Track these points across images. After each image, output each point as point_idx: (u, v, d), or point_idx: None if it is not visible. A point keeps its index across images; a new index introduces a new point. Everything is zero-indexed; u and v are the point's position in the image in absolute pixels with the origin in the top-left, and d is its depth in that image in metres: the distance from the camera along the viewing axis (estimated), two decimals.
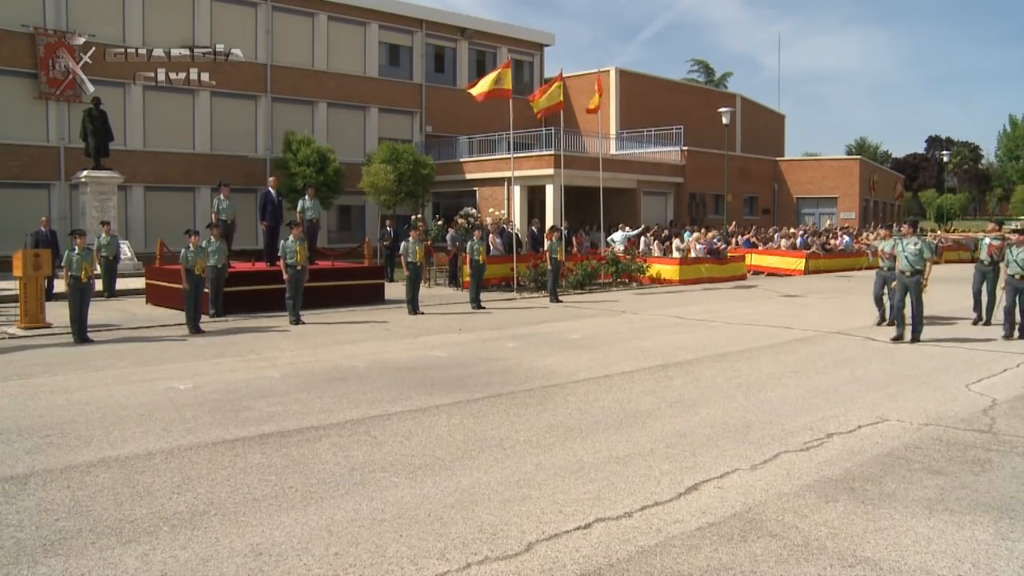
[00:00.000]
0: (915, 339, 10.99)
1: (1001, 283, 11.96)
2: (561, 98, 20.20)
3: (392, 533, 4.32)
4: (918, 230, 12.12)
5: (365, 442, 6.10)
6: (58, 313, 12.83)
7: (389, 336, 12.07)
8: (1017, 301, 11.55)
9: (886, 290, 12.59)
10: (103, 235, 17.57)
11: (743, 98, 46.19)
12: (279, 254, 13.89)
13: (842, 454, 5.79)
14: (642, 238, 24.75)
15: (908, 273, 11.13)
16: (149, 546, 4.15)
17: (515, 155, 22.95)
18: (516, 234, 21.83)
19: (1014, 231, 11.87)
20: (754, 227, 31.61)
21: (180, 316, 13.19)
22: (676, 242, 25.11)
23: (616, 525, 4.44)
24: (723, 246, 25.66)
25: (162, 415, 6.96)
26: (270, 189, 16.68)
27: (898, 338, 11.06)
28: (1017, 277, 11.37)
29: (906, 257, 11.08)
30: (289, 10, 30.16)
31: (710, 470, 5.39)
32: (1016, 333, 11.54)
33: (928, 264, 11.08)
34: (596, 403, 7.44)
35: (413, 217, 22.60)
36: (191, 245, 12.57)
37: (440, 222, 26.13)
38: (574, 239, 23.71)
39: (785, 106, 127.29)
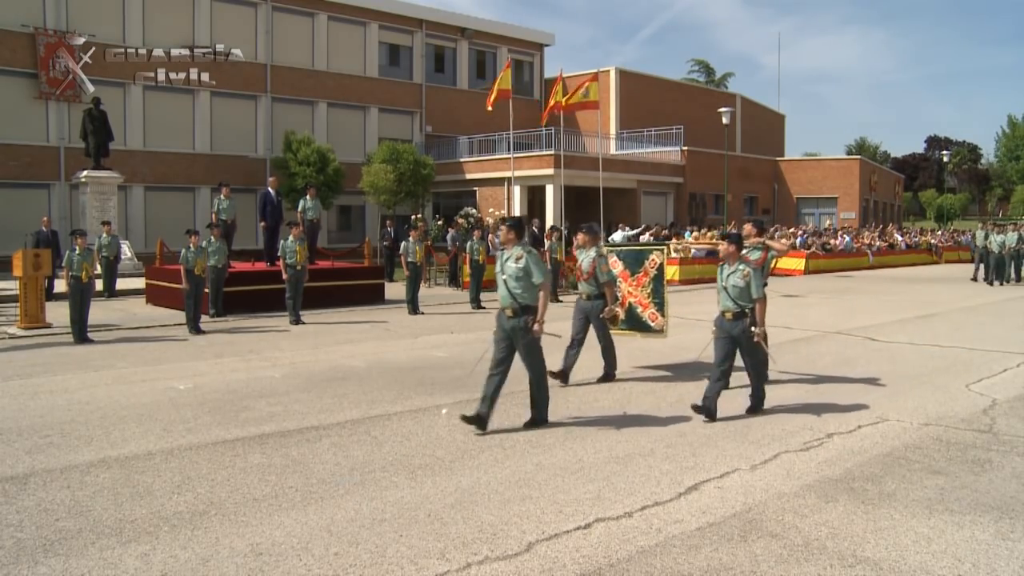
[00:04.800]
0: (538, 420, 6.60)
1: (714, 327, 7.10)
2: (560, 98, 20.25)
3: (392, 533, 4.32)
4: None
5: (365, 442, 6.10)
6: (58, 313, 12.82)
7: (389, 336, 12.06)
8: (738, 354, 6.95)
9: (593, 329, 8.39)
10: (104, 235, 17.56)
11: (743, 98, 46.17)
12: (279, 254, 13.90)
13: (842, 454, 5.79)
14: (641, 238, 24.73)
15: (585, 296, 8.06)
16: (149, 546, 4.16)
17: (515, 155, 22.95)
18: None
19: (724, 236, 7.51)
20: None
21: (180, 316, 13.18)
22: (674, 242, 25.10)
23: (616, 525, 4.44)
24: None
25: (162, 415, 6.96)
26: (269, 189, 16.68)
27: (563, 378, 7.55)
28: (728, 316, 6.84)
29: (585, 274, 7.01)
30: (289, 10, 30.16)
31: (710, 470, 5.39)
32: (750, 400, 7.13)
33: (609, 289, 7.86)
34: (596, 403, 7.45)
35: (413, 217, 22.61)
36: (191, 245, 12.58)
37: (440, 222, 26.12)
38: (574, 239, 23.67)
39: (785, 106, 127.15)
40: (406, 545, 4.16)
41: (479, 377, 8.65)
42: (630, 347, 10.75)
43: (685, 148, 34.52)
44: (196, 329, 12.27)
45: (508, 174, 24.73)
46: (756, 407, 7.10)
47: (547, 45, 39.05)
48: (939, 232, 40.09)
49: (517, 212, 28.92)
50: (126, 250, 21.53)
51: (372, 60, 32.71)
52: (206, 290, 13.43)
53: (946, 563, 3.97)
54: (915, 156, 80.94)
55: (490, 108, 20.00)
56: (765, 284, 7.99)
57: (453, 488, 5.04)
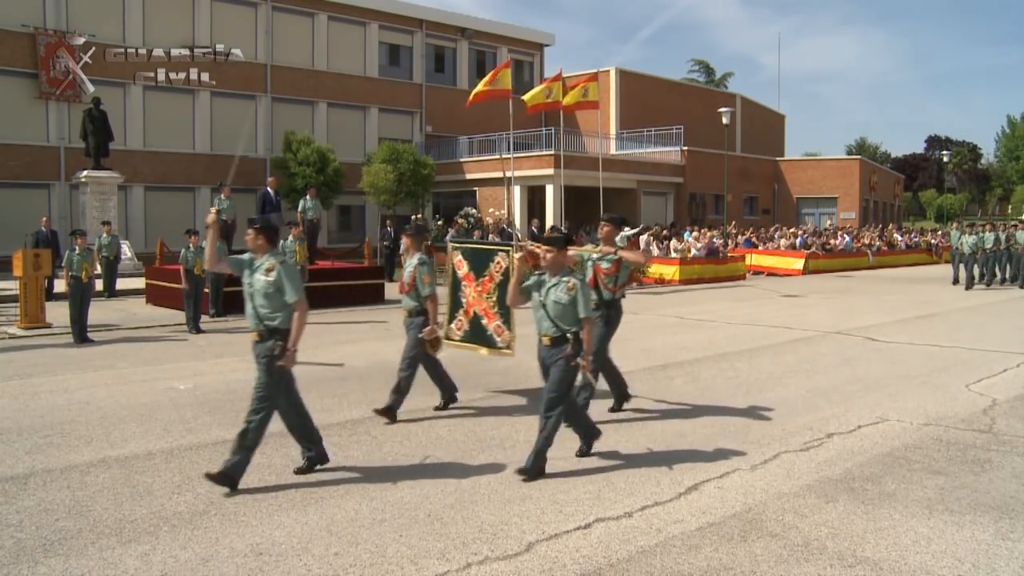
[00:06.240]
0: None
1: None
2: (560, 97, 20.23)
3: (392, 533, 4.32)
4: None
5: (365, 442, 6.10)
6: (58, 313, 12.82)
7: (389, 336, 12.04)
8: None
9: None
10: (104, 235, 17.57)
11: (743, 98, 46.20)
12: None
13: (842, 454, 5.79)
14: (641, 238, 24.75)
15: (408, 313, 6.89)
16: (149, 546, 4.16)
17: (515, 155, 22.95)
18: (516, 234, 21.84)
19: (548, 240, 5.56)
20: (751, 228, 31.63)
21: (180, 316, 13.18)
22: (674, 242, 25.14)
23: (616, 525, 4.44)
24: (721, 244, 25.71)
25: (162, 415, 6.96)
26: (268, 189, 16.70)
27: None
28: (546, 342, 5.43)
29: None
30: (289, 10, 30.15)
31: (710, 470, 5.39)
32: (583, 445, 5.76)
33: (432, 304, 6.72)
34: (596, 403, 7.43)
35: (413, 217, 22.61)
36: (191, 245, 12.58)
37: (440, 222, 26.13)
38: (574, 239, 23.70)
39: (785, 106, 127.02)
40: (406, 545, 4.16)
41: (483, 377, 8.63)
42: (629, 348, 10.74)
43: (685, 148, 34.54)
44: (196, 329, 12.27)
45: (508, 174, 24.73)
46: (532, 467, 5.17)
47: (547, 45, 39.04)
48: (939, 232, 40.12)
49: (517, 212, 28.93)
50: (126, 250, 21.53)
51: (372, 60, 32.70)
52: (206, 290, 13.43)
53: (946, 563, 3.97)
54: (915, 156, 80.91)
55: (467, 106, 19.87)
56: (623, 296, 6.81)
57: (453, 488, 5.04)
